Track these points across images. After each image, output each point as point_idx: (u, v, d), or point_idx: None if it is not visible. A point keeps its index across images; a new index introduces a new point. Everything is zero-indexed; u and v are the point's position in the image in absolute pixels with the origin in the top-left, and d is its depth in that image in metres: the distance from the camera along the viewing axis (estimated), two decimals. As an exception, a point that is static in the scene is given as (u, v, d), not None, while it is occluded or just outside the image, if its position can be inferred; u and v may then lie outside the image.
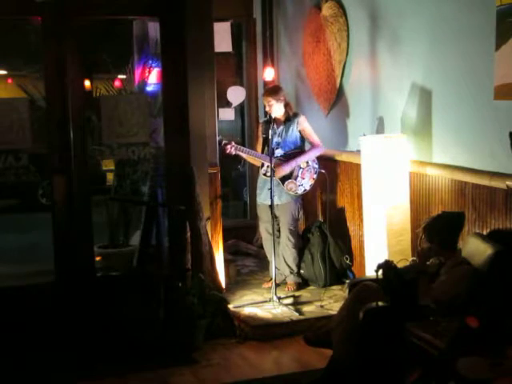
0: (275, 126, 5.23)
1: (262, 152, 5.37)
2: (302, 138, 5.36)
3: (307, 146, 5.41)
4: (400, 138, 4.61)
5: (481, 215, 3.99)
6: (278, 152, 5.28)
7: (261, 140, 5.41)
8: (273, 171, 5.06)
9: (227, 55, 6.74)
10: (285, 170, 5.26)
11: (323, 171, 5.41)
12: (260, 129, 5.47)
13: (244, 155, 5.36)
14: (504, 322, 2.94)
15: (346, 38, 5.49)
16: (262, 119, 5.88)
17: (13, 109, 4.55)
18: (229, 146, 5.15)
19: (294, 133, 5.31)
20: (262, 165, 5.33)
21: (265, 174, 5.29)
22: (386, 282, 3.48)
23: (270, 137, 5.04)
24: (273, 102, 5.21)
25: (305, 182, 5.33)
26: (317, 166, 5.37)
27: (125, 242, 6.14)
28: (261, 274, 5.82)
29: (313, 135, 5.34)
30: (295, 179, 5.30)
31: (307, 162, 5.33)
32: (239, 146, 5.25)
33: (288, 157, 5.30)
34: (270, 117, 5.17)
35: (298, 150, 5.33)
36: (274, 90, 5.34)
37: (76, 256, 4.59)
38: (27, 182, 5.05)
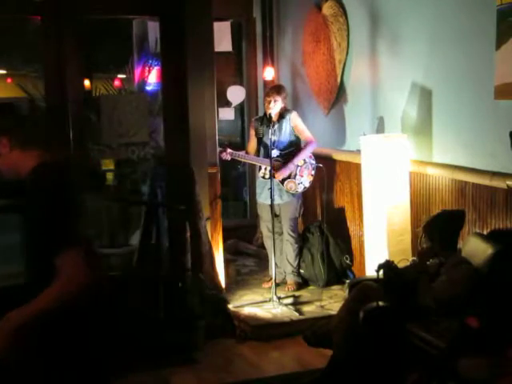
0: (270, 124, 5.20)
1: (258, 152, 5.36)
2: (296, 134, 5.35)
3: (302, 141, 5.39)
4: (400, 137, 4.60)
5: (481, 215, 3.98)
6: (274, 152, 5.20)
7: (254, 139, 5.40)
8: (272, 172, 5.06)
9: (227, 55, 6.74)
10: (284, 174, 5.25)
11: (321, 165, 5.40)
12: (253, 128, 5.44)
13: (240, 160, 5.37)
14: (504, 322, 2.93)
15: (346, 37, 5.49)
16: (254, 118, 5.84)
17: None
18: (224, 154, 5.13)
19: (287, 129, 5.28)
20: (260, 167, 5.32)
21: (263, 177, 5.29)
22: (387, 282, 3.48)
23: (269, 136, 5.02)
24: (279, 99, 5.20)
25: (304, 180, 5.32)
26: (314, 162, 5.36)
27: (125, 242, 6.13)
28: (261, 274, 5.81)
29: (305, 131, 5.32)
30: (294, 178, 5.29)
31: (304, 160, 5.32)
32: (234, 152, 5.23)
33: (284, 157, 5.28)
34: (270, 116, 5.16)
35: (293, 149, 5.30)
36: (280, 88, 5.33)
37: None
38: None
